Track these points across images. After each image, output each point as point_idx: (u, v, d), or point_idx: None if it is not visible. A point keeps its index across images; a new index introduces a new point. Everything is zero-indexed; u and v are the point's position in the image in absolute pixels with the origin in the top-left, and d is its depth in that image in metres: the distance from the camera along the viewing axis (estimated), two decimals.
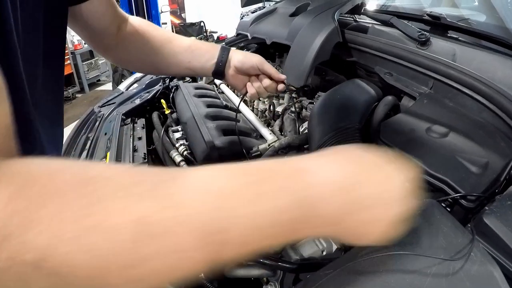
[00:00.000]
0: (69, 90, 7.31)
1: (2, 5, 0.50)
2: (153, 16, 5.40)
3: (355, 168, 0.54)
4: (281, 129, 1.49)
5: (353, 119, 1.13)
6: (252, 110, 1.72)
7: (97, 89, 8.18)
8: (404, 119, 1.10)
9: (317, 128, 1.12)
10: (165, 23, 7.75)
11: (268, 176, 0.48)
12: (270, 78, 1.18)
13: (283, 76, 1.18)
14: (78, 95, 7.65)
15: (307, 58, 1.43)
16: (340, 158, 0.55)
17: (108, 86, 7.93)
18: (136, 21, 1.16)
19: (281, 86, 1.19)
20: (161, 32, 1.18)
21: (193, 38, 1.25)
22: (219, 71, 1.18)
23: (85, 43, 7.50)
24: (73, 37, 7.26)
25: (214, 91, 1.88)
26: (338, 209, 0.50)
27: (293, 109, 1.48)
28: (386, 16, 1.53)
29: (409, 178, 0.56)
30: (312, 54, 1.42)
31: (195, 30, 8.41)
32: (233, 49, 1.20)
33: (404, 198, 0.55)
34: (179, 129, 1.69)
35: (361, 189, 0.52)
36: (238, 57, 1.17)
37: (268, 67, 1.16)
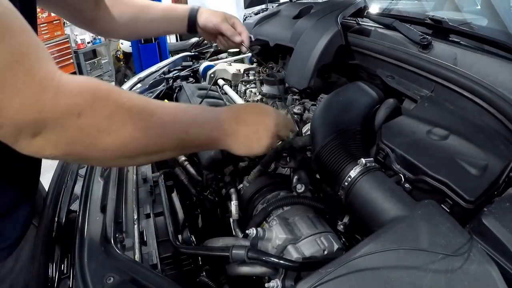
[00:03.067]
0: None
1: None
2: None
3: (245, 107, 0.99)
4: None
5: (355, 121, 1.14)
6: None
7: None
8: (405, 121, 1.12)
9: (319, 130, 1.14)
10: None
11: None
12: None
13: (238, 39, 1.36)
14: None
15: (310, 60, 1.45)
16: (235, 106, 1.00)
17: None
18: None
19: (243, 49, 1.39)
20: (135, 1, 1.36)
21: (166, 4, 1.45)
22: (192, 29, 1.39)
23: (88, 43, 7.61)
24: (76, 36, 7.29)
25: (217, 91, 1.90)
26: (234, 124, 0.90)
27: (296, 110, 1.49)
28: (389, 19, 1.54)
29: (278, 117, 0.98)
30: (315, 56, 1.44)
31: None
32: (201, 9, 1.37)
33: (275, 125, 0.95)
34: None
35: (248, 116, 0.93)
36: (203, 17, 1.36)
37: (226, 28, 1.35)
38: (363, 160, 0.96)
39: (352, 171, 0.96)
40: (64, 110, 0.63)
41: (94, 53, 8.10)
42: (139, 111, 0.73)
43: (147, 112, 0.75)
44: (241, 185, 1.28)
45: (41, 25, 6.48)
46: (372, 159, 0.99)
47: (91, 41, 7.79)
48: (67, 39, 7.03)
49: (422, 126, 1.07)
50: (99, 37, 7.90)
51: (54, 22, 6.74)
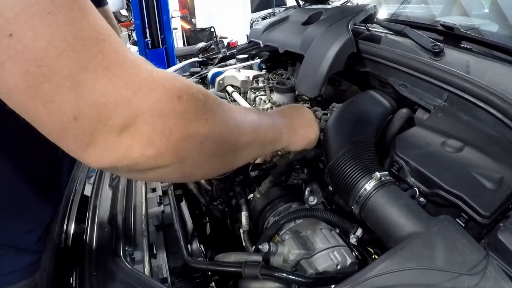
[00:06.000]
0: None
1: None
2: (164, 21, 5.35)
3: (294, 113, 1.08)
4: None
5: (369, 132, 1.12)
6: None
7: None
8: (419, 132, 1.10)
9: (332, 141, 1.12)
10: (176, 28, 7.73)
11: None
12: None
13: None
14: None
15: (321, 68, 1.43)
16: (287, 110, 1.09)
17: None
18: None
19: None
20: None
21: None
22: None
23: None
24: None
25: (226, 98, 1.89)
26: (286, 119, 1.00)
27: None
28: (399, 26, 1.53)
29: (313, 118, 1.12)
30: (326, 64, 1.42)
31: (205, 35, 8.43)
32: None
33: (316, 125, 1.09)
34: None
35: (299, 120, 1.05)
36: None
37: None
38: (377, 174, 0.94)
39: (367, 185, 0.95)
40: (163, 91, 0.54)
41: None
42: (222, 103, 0.70)
43: (227, 106, 0.72)
44: (251, 196, 1.26)
45: None
46: (386, 172, 0.97)
47: None
48: None
49: (437, 138, 1.05)
50: None
51: None
